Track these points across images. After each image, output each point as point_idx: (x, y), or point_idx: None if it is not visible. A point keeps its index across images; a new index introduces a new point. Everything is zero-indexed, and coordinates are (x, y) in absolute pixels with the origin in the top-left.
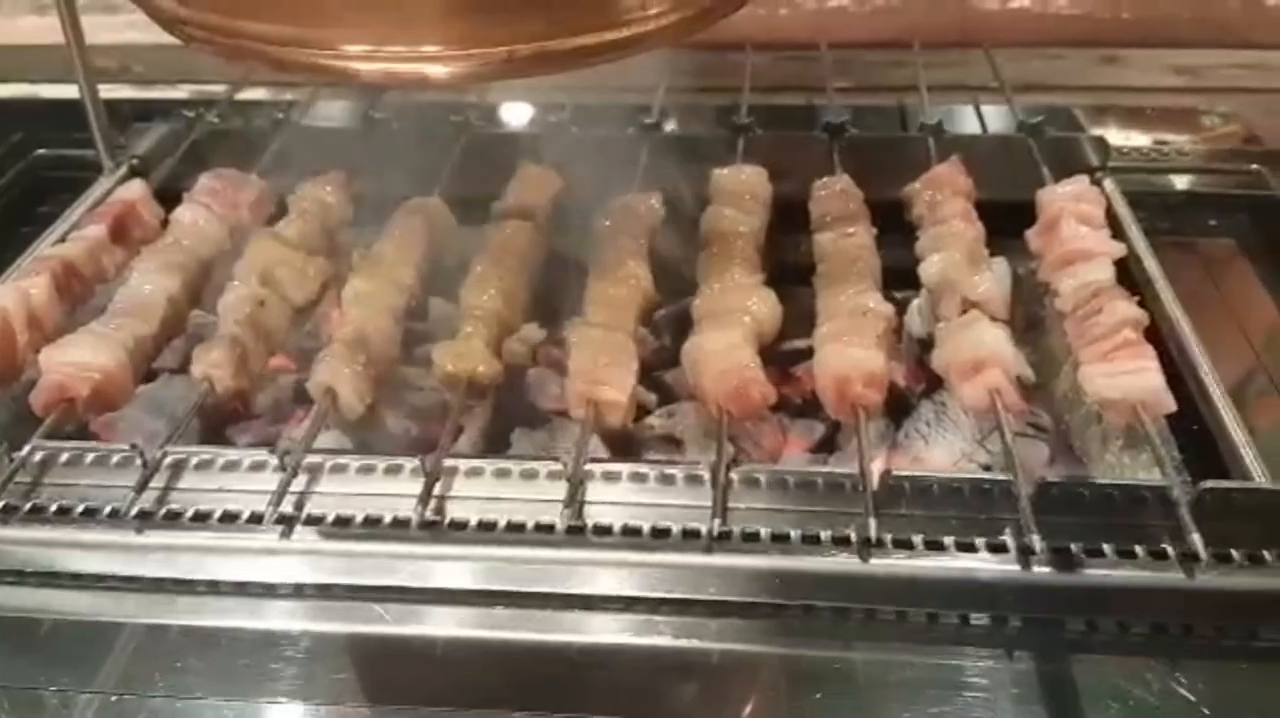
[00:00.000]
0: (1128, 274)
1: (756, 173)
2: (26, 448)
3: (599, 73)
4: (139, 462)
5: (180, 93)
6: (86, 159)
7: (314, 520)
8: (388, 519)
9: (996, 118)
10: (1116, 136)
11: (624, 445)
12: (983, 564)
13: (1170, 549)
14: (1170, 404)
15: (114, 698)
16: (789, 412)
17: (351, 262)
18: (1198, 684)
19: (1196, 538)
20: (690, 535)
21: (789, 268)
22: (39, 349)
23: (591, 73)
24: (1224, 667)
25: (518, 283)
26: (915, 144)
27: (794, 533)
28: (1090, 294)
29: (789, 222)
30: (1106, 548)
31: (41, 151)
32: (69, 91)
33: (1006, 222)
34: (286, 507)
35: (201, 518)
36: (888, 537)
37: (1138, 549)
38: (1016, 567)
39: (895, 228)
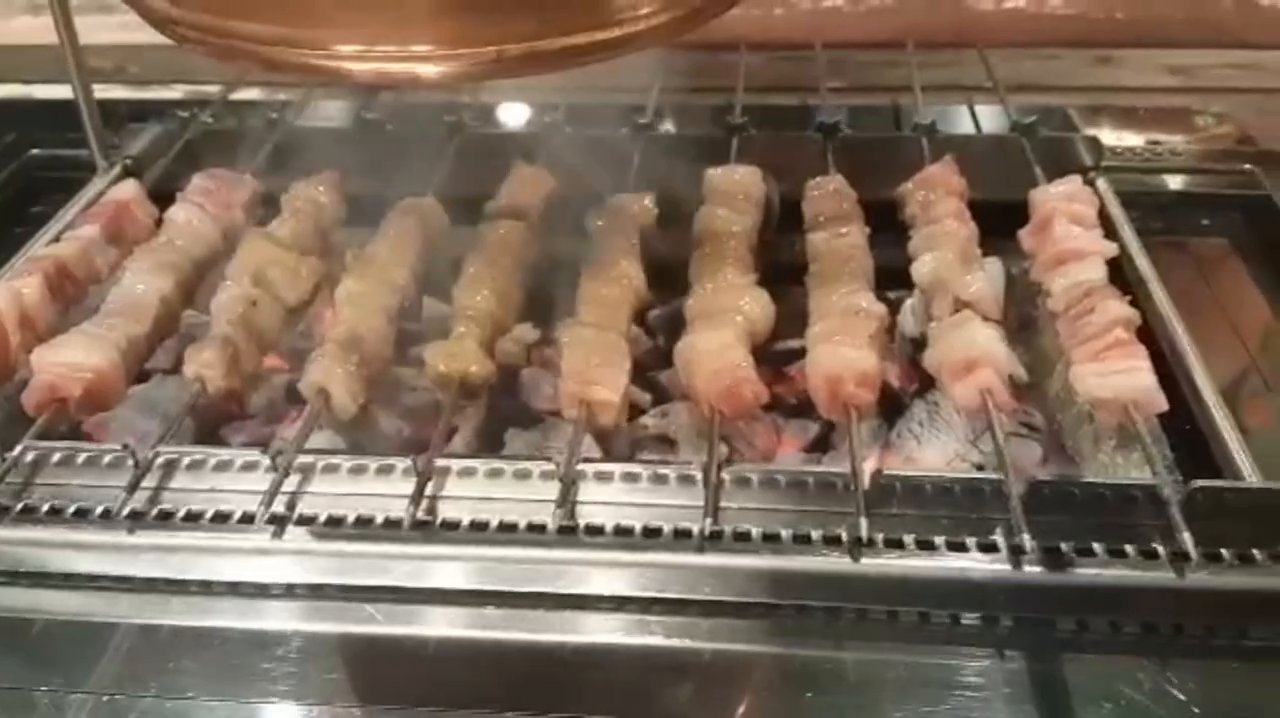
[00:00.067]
0: (1120, 274)
1: (750, 173)
2: (18, 448)
3: (593, 73)
4: (131, 462)
5: (175, 93)
6: (80, 159)
7: (306, 521)
8: (380, 519)
9: (990, 118)
10: (1110, 137)
11: (618, 446)
12: (974, 564)
13: (1161, 549)
14: (1162, 404)
15: (106, 698)
16: (783, 411)
17: (344, 262)
18: (1188, 683)
19: (1187, 537)
20: (682, 535)
21: (783, 267)
22: (31, 349)
23: (586, 73)
24: (1214, 666)
25: (511, 283)
26: (909, 144)
27: (785, 533)
28: (1082, 294)
29: (782, 221)
30: (1097, 547)
31: (35, 152)
32: (63, 92)
33: (1000, 222)
34: (278, 507)
35: (193, 518)
36: (879, 536)
37: (1128, 549)
38: (1008, 566)
39: (889, 228)
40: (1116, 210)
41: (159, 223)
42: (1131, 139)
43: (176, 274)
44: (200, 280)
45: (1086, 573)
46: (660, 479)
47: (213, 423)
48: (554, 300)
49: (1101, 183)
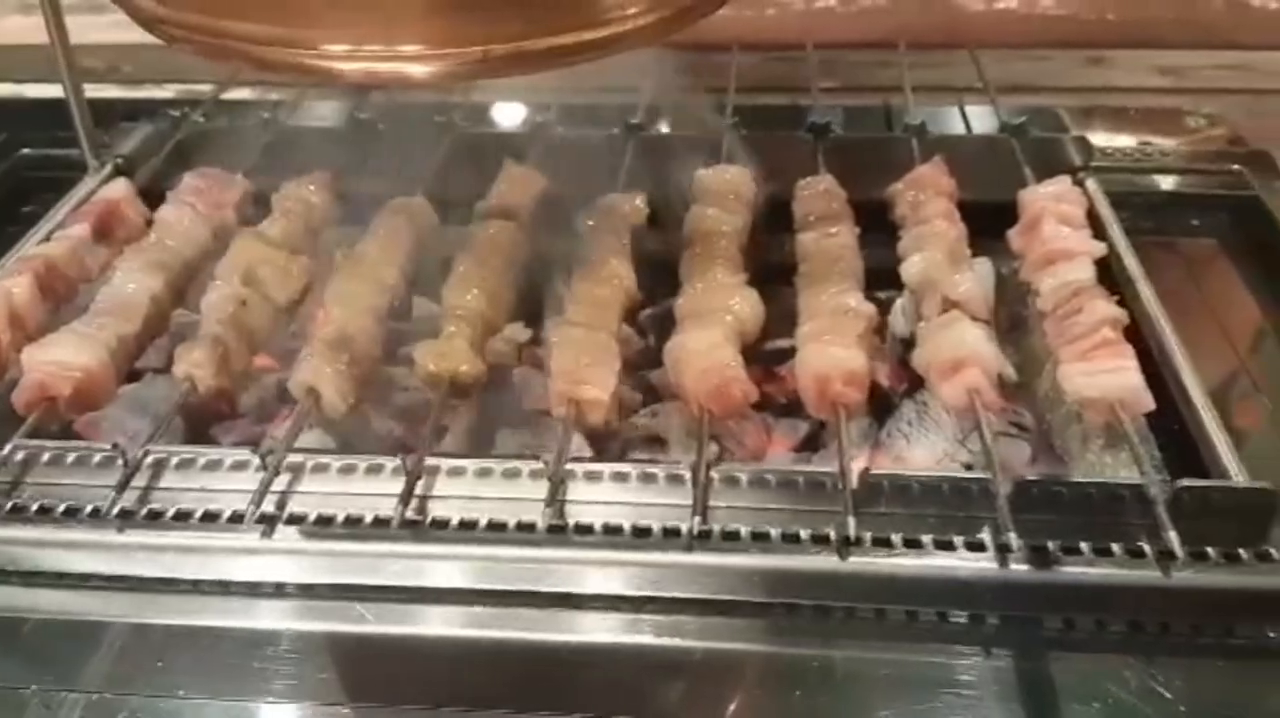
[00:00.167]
0: (1109, 274)
1: (740, 173)
2: (8, 447)
3: (585, 73)
4: (121, 461)
5: (166, 92)
6: (71, 159)
7: (295, 520)
8: (369, 519)
9: (981, 119)
10: (1101, 137)
11: (609, 445)
12: (961, 562)
13: (1147, 548)
14: (1149, 403)
15: (96, 697)
16: (773, 411)
17: (335, 261)
18: (1174, 682)
19: (1173, 536)
20: (671, 534)
21: (773, 267)
22: (21, 348)
23: (577, 72)
24: (1200, 664)
25: (501, 282)
26: (899, 144)
27: (774, 532)
28: (1070, 293)
29: (773, 221)
30: (1084, 546)
31: (26, 151)
32: (54, 91)
33: (990, 222)
34: (268, 506)
35: (183, 517)
36: (867, 535)
37: (1115, 548)
38: (994, 565)
39: (879, 228)
40: (1105, 211)
41: (150, 222)
42: (1122, 140)
43: (167, 273)
44: (191, 280)
45: (1073, 572)
46: (649, 478)
47: (203, 422)
48: (546, 300)
49: (1091, 183)
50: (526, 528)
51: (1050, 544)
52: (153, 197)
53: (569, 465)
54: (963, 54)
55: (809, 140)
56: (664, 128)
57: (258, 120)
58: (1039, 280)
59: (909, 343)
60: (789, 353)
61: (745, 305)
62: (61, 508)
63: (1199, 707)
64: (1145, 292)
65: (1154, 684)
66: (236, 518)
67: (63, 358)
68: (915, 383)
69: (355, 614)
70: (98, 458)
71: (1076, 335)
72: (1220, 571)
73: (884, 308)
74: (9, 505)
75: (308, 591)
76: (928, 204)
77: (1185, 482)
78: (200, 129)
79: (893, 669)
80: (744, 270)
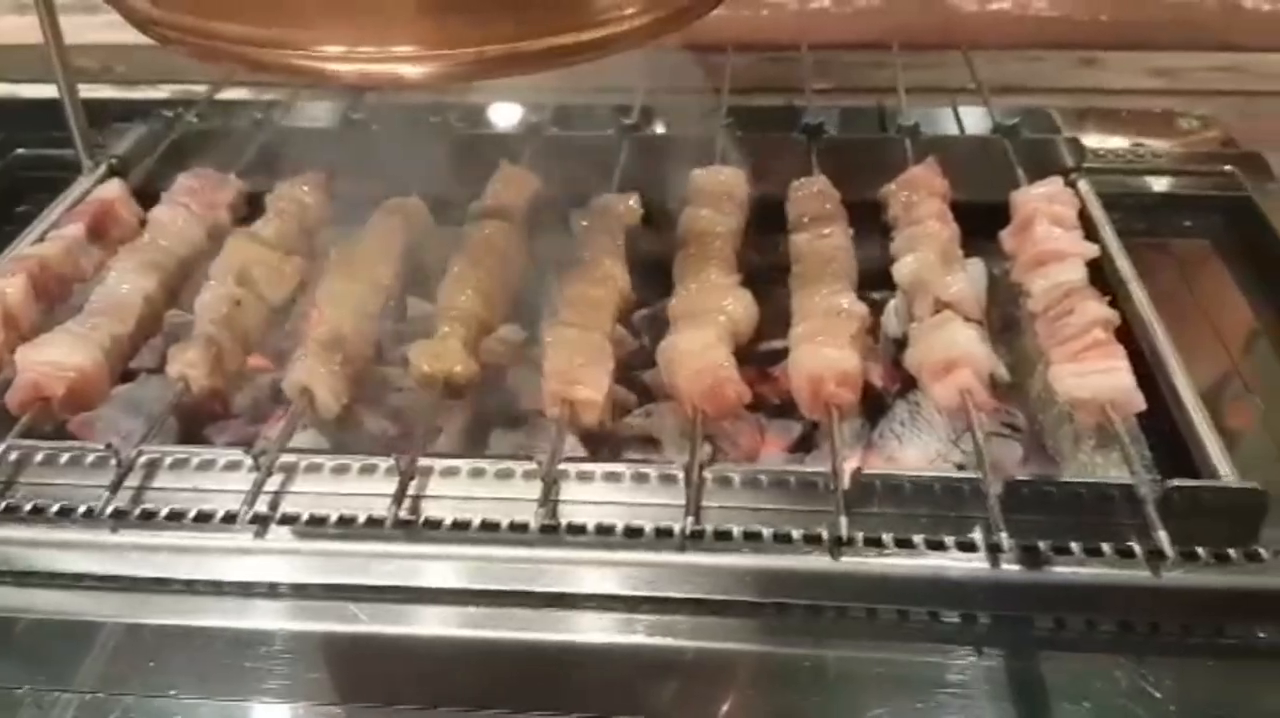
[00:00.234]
0: (1101, 275)
1: (734, 174)
2: (1, 447)
3: (579, 73)
4: (114, 461)
5: (161, 93)
6: (65, 159)
7: (289, 520)
8: (362, 519)
9: (974, 119)
10: (1094, 138)
11: (603, 445)
12: (952, 562)
13: (1137, 548)
14: (1140, 403)
15: (89, 697)
16: (767, 411)
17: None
18: (1164, 681)
19: (1163, 536)
20: (664, 534)
21: (766, 268)
22: (15, 348)
23: (572, 73)
24: (1190, 664)
25: (495, 283)
26: (892, 145)
27: (766, 532)
28: (1061, 294)
29: (767, 222)
30: (1074, 546)
31: (20, 151)
32: (48, 91)
33: (983, 223)
34: (261, 506)
35: (177, 517)
36: (858, 535)
37: (1105, 548)
38: (986, 565)
39: (873, 229)
40: (1098, 212)
41: (144, 222)
42: (1114, 141)
43: (161, 273)
44: (185, 280)
45: (1063, 572)
46: (642, 479)
47: (196, 422)
48: (541, 301)
49: (1083, 184)
50: (520, 528)
51: (1041, 544)
52: (147, 197)
53: (562, 466)
54: (956, 55)
55: (803, 141)
56: (658, 128)
57: (252, 121)
58: (1031, 281)
59: (902, 343)
60: (782, 353)
61: (739, 306)
62: (55, 508)
63: (1189, 707)
64: (1137, 293)
65: (1144, 684)
66: (230, 518)
67: (57, 358)
68: (908, 383)
69: (349, 614)
70: (91, 458)
71: (1068, 336)
72: (1210, 571)
73: (877, 308)
74: (2, 505)
75: (301, 591)
76: (921, 205)
77: (1176, 482)
78: (194, 129)
79: (885, 669)
80: (737, 271)
